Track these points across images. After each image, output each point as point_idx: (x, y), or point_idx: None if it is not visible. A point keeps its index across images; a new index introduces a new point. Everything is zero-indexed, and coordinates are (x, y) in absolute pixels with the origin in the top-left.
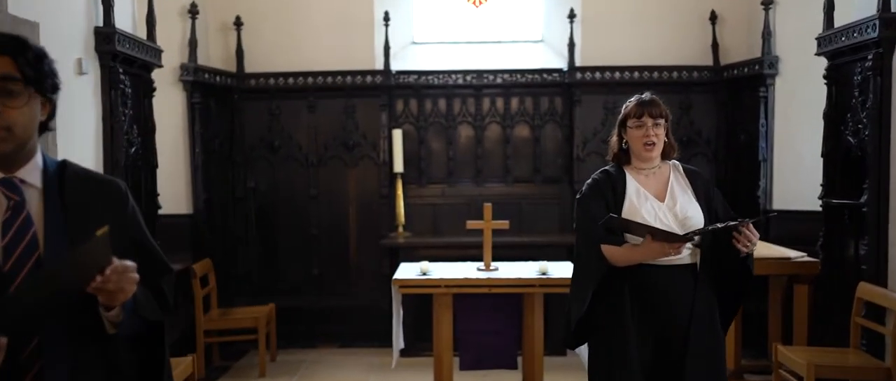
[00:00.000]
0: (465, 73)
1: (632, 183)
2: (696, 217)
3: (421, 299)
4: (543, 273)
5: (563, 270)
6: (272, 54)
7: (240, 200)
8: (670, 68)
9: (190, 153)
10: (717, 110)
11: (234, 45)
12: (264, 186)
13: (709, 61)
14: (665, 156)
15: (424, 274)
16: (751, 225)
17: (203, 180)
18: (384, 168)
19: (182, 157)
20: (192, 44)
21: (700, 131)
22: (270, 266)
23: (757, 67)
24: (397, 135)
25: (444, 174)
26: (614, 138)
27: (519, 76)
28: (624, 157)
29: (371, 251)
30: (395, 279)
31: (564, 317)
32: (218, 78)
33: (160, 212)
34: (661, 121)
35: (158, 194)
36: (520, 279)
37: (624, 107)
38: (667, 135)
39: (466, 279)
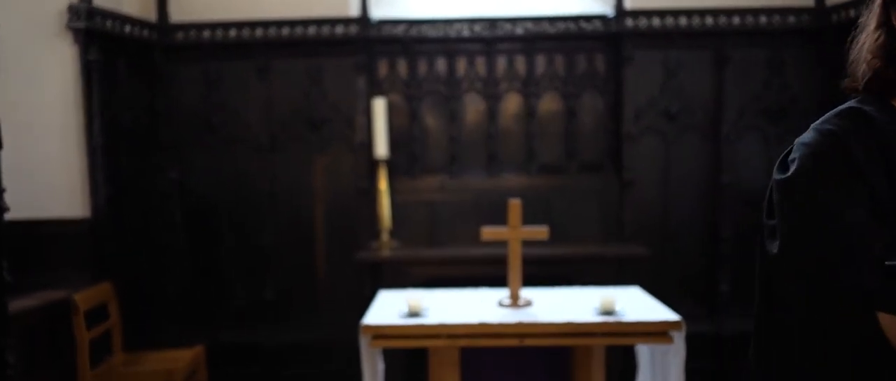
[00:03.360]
0: (473, 22)
1: None
2: None
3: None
4: (608, 312)
5: (636, 304)
6: None
7: (165, 198)
8: (756, 11)
9: (85, 133)
10: (819, 69)
11: None
12: (200, 179)
13: (809, 0)
14: None
15: (415, 315)
16: None
17: (106, 171)
18: (363, 153)
19: (73, 138)
20: None
21: (796, 98)
22: (208, 290)
23: None
24: (380, 107)
25: (445, 161)
26: (873, 39)
27: (546, 25)
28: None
29: (346, 267)
30: (367, 326)
31: None
32: (129, 28)
33: (39, 217)
34: None
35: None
36: (571, 326)
37: None
38: None
39: (484, 327)
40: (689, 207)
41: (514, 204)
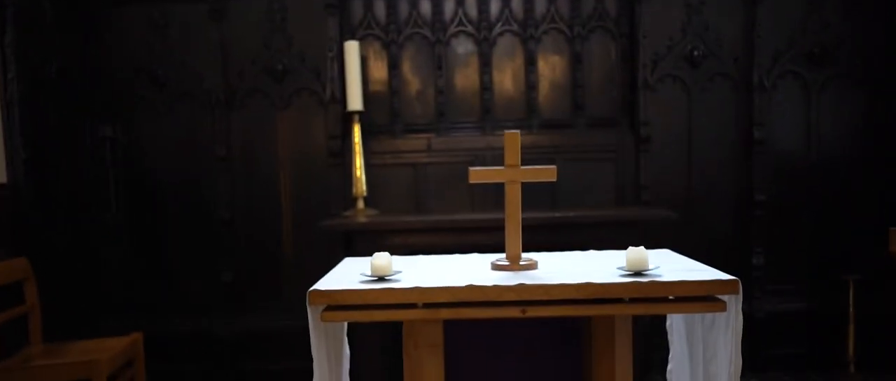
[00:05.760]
0: None
1: None
2: None
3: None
4: (638, 272)
5: (672, 264)
6: None
7: (99, 163)
8: None
9: None
10: (867, 4)
11: None
12: (142, 142)
13: None
14: None
15: (382, 279)
16: None
17: (24, 130)
18: (334, 110)
19: None
20: None
21: (840, 39)
22: (152, 271)
23: None
24: (353, 52)
25: (432, 117)
26: None
27: None
28: None
29: (316, 243)
30: (317, 293)
31: None
32: None
33: None
34: None
35: None
36: (591, 288)
37: None
38: None
39: (474, 291)
40: (716, 167)
41: (512, 135)
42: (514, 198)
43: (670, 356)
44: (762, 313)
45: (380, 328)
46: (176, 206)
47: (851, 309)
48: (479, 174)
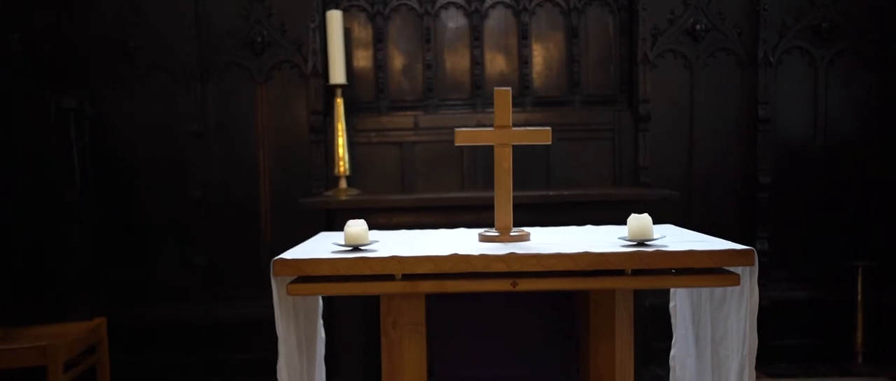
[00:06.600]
0: None
1: None
2: None
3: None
4: (640, 241)
5: (677, 236)
6: None
7: (62, 138)
8: None
9: None
10: None
11: None
12: (111, 118)
13: None
14: None
15: (357, 249)
16: None
17: None
18: (316, 83)
19: None
20: None
21: (849, 13)
22: (121, 255)
23: None
24: (336, 22)
25: (419, 94)
26: None
27: None
28: None
29: (298, 225)
30: (282, 262)
31: None
32: None
33: None
34: None
35: None
36: (589, 257)
37: None
38: None
39: (459, 260)
40: (718, 148)
41: (503, 92)
42: (503, 162)
43: (673, 341)
44: (766, 302)
45: (363, 313)
46: (147, 184)
47: (860, 297)
48: (467, 135)
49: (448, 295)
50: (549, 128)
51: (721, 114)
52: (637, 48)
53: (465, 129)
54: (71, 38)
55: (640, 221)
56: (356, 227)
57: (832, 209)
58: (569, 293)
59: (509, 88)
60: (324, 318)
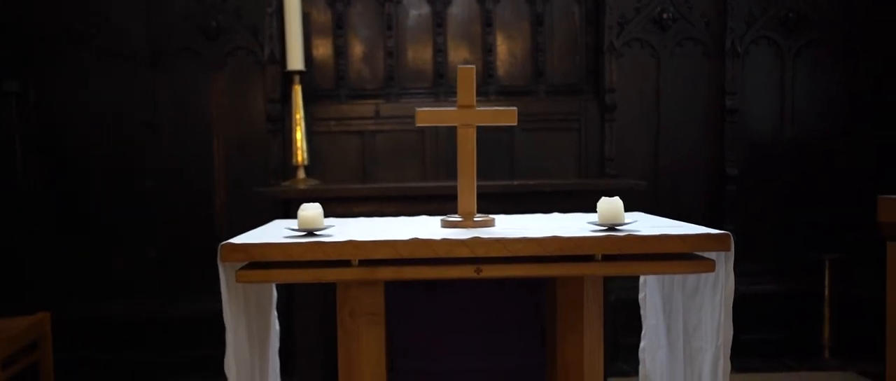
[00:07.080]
0: None
1: None
2: None
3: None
4: (611, 226)
5: (648, 222)
6: None
7: (6, 123)
8: None
9: None
10: None
11: None
12: (58, 105)
13: None
14: None
15: (311, 234)
16: None
17: None
18: (273, 70)
19: None
20: None
21: (815, 4)
22: (68, 248)
23: None
24: (294, 7)
25: (381, 82)
26: None
27: None
28: None
29: (253, 215)
30: (229, 247)
31: None
32: None
33: None
34: None
35: None
36: (558, 242)
37: None
38: None
39: (419, 245)
40: (686, 138)
41: (466, 70)
42: (467, 144)
43: (643, 333)
44: (736, 293)
45: (323, 303)
46: (96, 173)
47: (827, 291)
48: (429, 115)
49: (411, 285)
50: (514, 108)
51: (688, 104)
52: (603, 37)
53: (426, 109)
54: (15, 21)
55: (611, 204)
56: (310, 210)
57: (800, 202)
58: (538, 282)
59: (473, 66)
60: (281, 309)
